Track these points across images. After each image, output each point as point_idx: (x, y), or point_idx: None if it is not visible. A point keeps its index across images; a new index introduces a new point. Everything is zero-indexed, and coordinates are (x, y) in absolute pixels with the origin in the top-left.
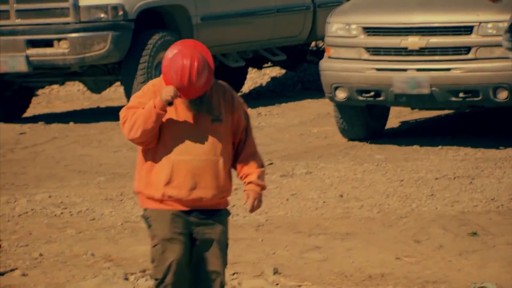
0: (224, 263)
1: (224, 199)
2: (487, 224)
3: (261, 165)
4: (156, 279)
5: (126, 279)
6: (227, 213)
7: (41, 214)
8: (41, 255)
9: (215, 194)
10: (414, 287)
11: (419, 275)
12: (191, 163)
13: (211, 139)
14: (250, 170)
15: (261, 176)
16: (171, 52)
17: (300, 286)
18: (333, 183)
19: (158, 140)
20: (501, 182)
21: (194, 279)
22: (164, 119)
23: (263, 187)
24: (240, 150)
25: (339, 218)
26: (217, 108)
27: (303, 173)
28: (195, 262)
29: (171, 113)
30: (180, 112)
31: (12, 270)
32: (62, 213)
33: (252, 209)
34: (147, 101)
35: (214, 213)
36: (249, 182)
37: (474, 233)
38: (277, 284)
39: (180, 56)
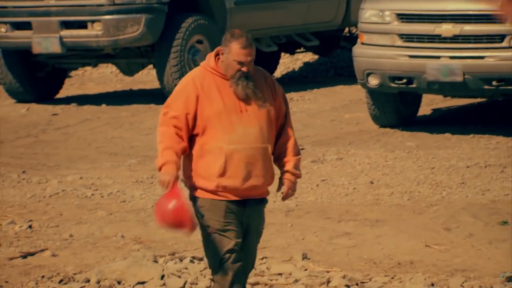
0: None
1: (269, 186)
2: None
3: (298, 152)
4: (213, 268)
5: (156, 261)
6: (267, 201)
7: (72, 195)
8: (71, 236)
9: (265, 182)
10: (443, 275)
11: (449, 263)
12: (244, 152)
13: (259, 125)
14: (288, 157)
15: (297, 165)
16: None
17: (328, 272)
18: (364, 170)
19: (205, 130)
20: None
21: None
22: (211, 110)
23: (298, 176)
24: (279, 135)
25: (369, 204)
26: (262, 93)
27: (334, 159)
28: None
29: (218, 103)
30: (227, 101)
31: (42, 250)
32: (93, 194)
33: (286, 198)
34: (182, 106)
35: (262, 202)
36: (286, 171)
37: (505, 222)
38: (305, 270)
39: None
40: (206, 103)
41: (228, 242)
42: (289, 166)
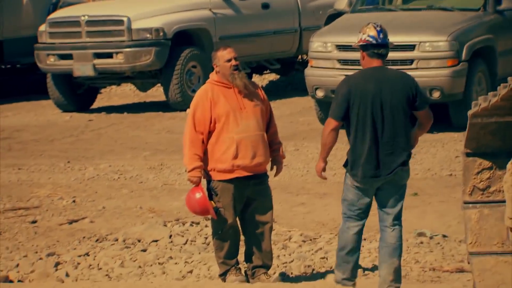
0: (272, 212)
1: (267, 164)
2: (425, 187)
3: (280, 142)
4: (215, 235)
5: (165, 225)
6: (268, 175)
7: (104, 178)
8: (104, 207)
9: (266, 160)
10: (373, 232)
11: (377, 224)
12: (249, 139)
13: (256, 119)
14: (276, 145)
15: (281, 150)
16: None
17: (290, 231)
18: (314, 157)
19: (218, 127)
20: (435, 157)
21: (250, 228)
22: (221, 110)
23: (283, 157)
24: (268, 126)
25: (318, 182)
26: (255, 93)
27: (293, 150)
28: (251, 215)
29: (225, 105)
30: (231, 103)
31: (83, 218)
32: (119, 177)
33: (277, 174)
34: (201, 115)
35: (265, 175)
36: (276, 155)
37: (415, 194)
38: (273, 230)
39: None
40: (217, 107)
41: (230, 218)
42: (277, 151)
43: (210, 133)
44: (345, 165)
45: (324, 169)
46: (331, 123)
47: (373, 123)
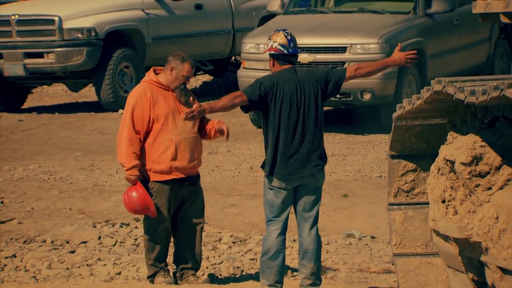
0: (204, 212)
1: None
2: (355, 188)
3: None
4: (148, 236)
5: (94, 226)
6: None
7: (33, 179)
8: (32, 208)
9: (200, 162)
10: None
11: None
12: (187, 140)
13: (191, 122)
14: (211, 125)
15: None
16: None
17: (220, 232)
18: (246, 159)
19: (156, 127)
20: (365, 159)
21: (181, 229)
22: (160, 110)
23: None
24: (204, 126)
25: (250, 184)
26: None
27: (225, 151)
28: (183, 215)
29: (164, 107)
30: (170, 104)
31: (11, 219)
32: (48, 178)
33: (228, 135)
34: (139, 114)
35: (198, 177)
36: (217, 125)
37: (345, 195)
38: (204, 231)
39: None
40: (156, 107)
41: (163, 219)
42: (215, 124)
43: (146, 133)
44: (262, 166)
45: (202, 110)
46: (242, 95)
47: (293, 121)
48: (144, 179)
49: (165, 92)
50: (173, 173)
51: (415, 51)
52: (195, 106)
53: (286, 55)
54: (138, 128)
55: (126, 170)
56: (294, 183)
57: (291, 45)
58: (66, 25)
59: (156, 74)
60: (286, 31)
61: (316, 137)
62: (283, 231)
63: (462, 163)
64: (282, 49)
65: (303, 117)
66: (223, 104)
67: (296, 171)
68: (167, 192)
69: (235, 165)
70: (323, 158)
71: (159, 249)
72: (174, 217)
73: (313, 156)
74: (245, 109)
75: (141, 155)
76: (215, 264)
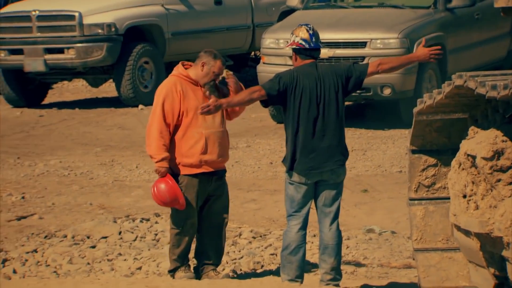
0: (228, 208)
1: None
2: (375, 183)
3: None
4: (175, 229)
5: (115, 221)
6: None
7: (54, 174)
8: (53, 204)
9: (227, 157)
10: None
11: None
12: (216, 134)
13: (221, 115)
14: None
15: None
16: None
17: (240, 227)
18: (265, 154)
19: (186, 120)
20: (385, 154)
21: (206, 224)
22: (190, 104)
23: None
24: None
25: (270, 179)
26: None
27: (244, 146)
28: (208, 210)
29: (194, 100)
30: (199, 98)
31: (32, 214)
32: (69, 173)
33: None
34: (169, 107)
35: (224, 171)
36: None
37: (366, 190)
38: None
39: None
40: (186, 100)
41: (192, 214)
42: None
43: (175, 127)
44: (283, 161)
45: (218, 104)
46: (261, 90)
47: (313, 116)
48: (172, 173)
49: (194, 86)
50: (203, 167)
51: (439, 47)
52: (211, 100)
53: (308, 50)
54: (168, 121)
55: (156, 162)
56: (314, 178)
57: (313, 39)
58: (86, 20)
59: (185, 69)
60: (309, 26)
61: (336, 132)
62: (304, 226)
63: (484, 158)
64: (303, 43)
65: (323, 112)
66: (240, 98)
67: (316, 166)
68: (196, 186)
69: (254, 160)
70: (344, 153)
71: (185, 244)
72: (199, 212)
73: (333, 151)
74: (264, 103)
75: (170, 148)
76: (235, 259)
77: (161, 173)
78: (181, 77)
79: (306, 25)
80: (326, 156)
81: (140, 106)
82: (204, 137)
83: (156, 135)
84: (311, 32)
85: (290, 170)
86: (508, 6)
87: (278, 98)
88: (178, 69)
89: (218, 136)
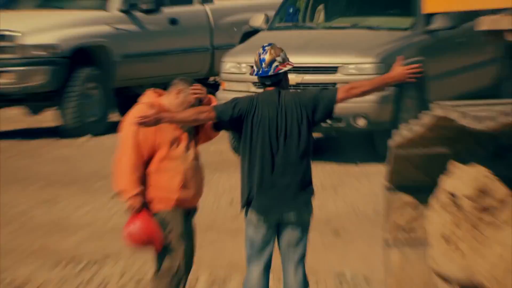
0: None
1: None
2: (347, 225)
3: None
4: (169, 276)
5: (56, 266)
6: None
7: None
8: None
9: (202, 192)
10: None
11: None
12: (192, 168)
13: (195, 148)
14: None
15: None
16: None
17: (197, 271)
18: (226, 190)
19: (160, 153)
20: (358, 191)
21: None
22: (167, 135)
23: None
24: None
25: (230, 218)
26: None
27: None
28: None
29: (169, 130)
30: (174, 129)
31: None
32: (5, 213)
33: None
34: (144, 133)
35: (196, 211)
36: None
37: (337, 232)
38: None
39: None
40: (160, 132)
41: (182, 251)
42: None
43: (148, 160)
44: (241, 197)
45: (159, 118)
46: (211, 111)
47: (272, 149)
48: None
49: None
50: (180, 201)
51: (419, 64)
52: (152, 112)
53: (259, 77)
54: (142, 153)
55: (129, 198)
56: (274, 218)
57: (263, 65)
58: (27, 41)
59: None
60: (264, 48)
61: (299, 168)
62: (266, 270)
63: (466, 197)
64: (254, 69)
65: (284, 145)
66: (185, 116)
67: (275, 204)
68: (178, 217)
69: (214, 197)
70: (308, 191)
71: (179, 280)
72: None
73: (295, 189)
74: (215, 127)
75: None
76: None
77: (136, 208)
78: (153, 106)
79: (266, 46)
80: (287, 194)
81: (86, 137)
82: (182, 170)
83: (129, 168)
84: (262, 56)
85: (246, 207)
86: (492, 30)
87: (231, 124)
88: (149, 96)
89: (194, 170)
